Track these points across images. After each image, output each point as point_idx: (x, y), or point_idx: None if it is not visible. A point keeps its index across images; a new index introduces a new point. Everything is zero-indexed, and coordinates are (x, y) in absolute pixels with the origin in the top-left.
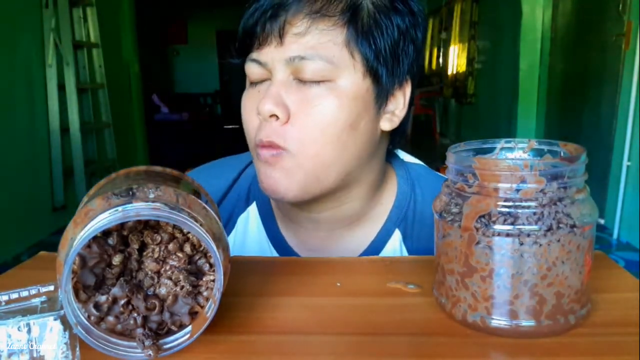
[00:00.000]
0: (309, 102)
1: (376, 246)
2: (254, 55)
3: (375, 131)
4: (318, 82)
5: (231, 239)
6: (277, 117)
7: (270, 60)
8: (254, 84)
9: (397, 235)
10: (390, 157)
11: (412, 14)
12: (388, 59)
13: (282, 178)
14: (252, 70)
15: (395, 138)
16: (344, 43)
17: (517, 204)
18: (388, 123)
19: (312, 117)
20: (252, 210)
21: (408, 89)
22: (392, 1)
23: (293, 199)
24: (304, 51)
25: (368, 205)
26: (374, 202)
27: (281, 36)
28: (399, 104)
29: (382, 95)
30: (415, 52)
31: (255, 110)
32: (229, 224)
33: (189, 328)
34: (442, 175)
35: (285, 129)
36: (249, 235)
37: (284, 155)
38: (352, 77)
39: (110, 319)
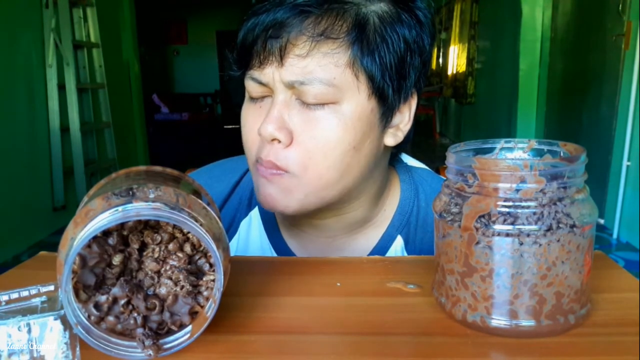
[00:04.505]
0: (312, 124)
1: (378, 252)
2: (255, 74)
3: (379, 147)
4: (322, 104)
5: (234, 244)
6: (279, 141)
7: (271, 81)
8: (254, 99)
9: (399, 241)
10: (393, 161)
11: (420, 24)
12: (394, 76)
13: (282, 196)
14: (252, 87)
15: (400, 144)
16: (347, 64)
17: (516, 204)
18: (392, 138)
19: (316, 140)
20: (254, 215)
21: (414, 103)
22: (399, 13)
23: (293, 213)
24: (303, 76)
25: (371, 212)
26: (377, 208)
27: (282, 57)
28: (404, 118)
29: (387, 113)
30: (422, 63)
31: (255, 129)
32: (231, 229)
33: (189, 328)
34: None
35: (287, 152)
36: (251, 240)
37: (285, 175)
38: (357, 99)
39: (111, 318)
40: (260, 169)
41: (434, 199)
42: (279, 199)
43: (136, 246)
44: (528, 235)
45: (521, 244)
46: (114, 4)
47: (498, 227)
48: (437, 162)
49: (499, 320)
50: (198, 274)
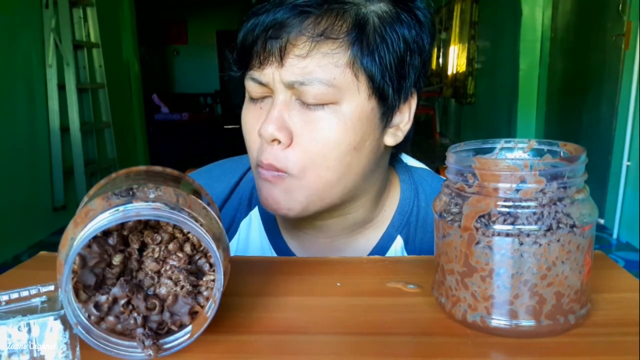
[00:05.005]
0: (312, 124)
1: (378, 252)
2: (255, 74)
3: (379, 148)
4: (322, 105)
5: (233, 244)
6: (279, 141)
7: (271, 81)
8: (255, 99)
9: (399, 241)
10: (393, 161)
11: (419, 23)
12: (394, 76)
13: (284, 198)
14: (252, 88)
15: (400, 144)
16: (347, 64)
17: (516, 204)
18: (392, 138)
19: (316, 141)
20: (254, 215)
21: (414, 102)
22: (398, 13)
23: (296, 216)
24: (303, 76)
25: (371, 212)
26: (377, 209)
27: (282, 57)
28: (404, 118)
29: (387, 113)
30: (422, 63)
31: (256, 130)
32: (231, 229)
33: (189, 328)
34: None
35: (287, 152)
36: (251, 240)
37: (285, 177)
38: (356, 99)
39: (111, 318)
40: (261, 172)
41: (434, 199)
42: (281, 201)
43: (136, 246)
44: (528, 235)
45: (521, 244)
46: (114, 4)
47: (498, 227)
48: (437, 162)
49: (499, 320)
50: (198, 274)
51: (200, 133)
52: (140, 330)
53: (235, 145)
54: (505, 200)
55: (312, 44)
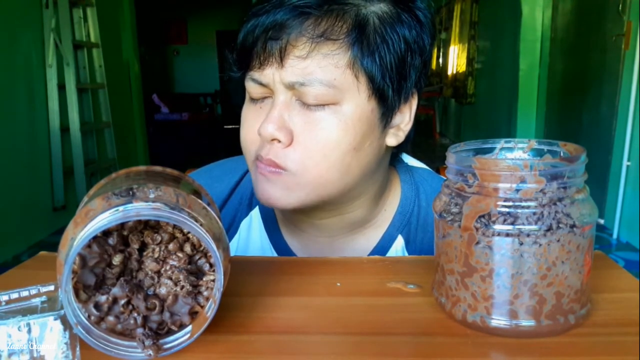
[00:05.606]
0: (312, 125)
1: (379, 252)
2: (255, 75)
3: (380, 148)
4: (322, 105)
5: (234, 244)
6: (279, 141)
7: (271, 82)
8: (255, 100)
9: (399, 241)
10: (394, 161)
11: (420, 24)
12: (394, 76)
13: (282, 194)
14: (252, 88)
15: (401, 144)
16: (347, 65)
17: (516, 204)
18: (393, 138)
19: (316, 141)
20: (255, 215)
21: (414, 102)
22: (399, 13)
23: (292, 209)
24: (303, 77)
25: (371, 212)
26: (378, 208)
27: (282, 58)
28: (404, 119)
29: (387, 114)
30: (422, 63)
31: (255, 129)
32: (232, 229)
33: (189, 328)
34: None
35: (287, 151)
36: (251, 240)
37: (284, 174)
38: (357, 100)
39: (111, 318)
40: (259, 166)
41: (434, 199)
42: (278, 197)
43: (136, 246)
44: (528, 235)
45: (521, 244)
46: (114, 4)
47: (498, 227)
48: (437, 162)
49: (499, 320)
50: (198, 274)
51: (200, 133)
52: (140, 330)
53: (236, 145)
54: (505, 200)
55: (312, 45)
